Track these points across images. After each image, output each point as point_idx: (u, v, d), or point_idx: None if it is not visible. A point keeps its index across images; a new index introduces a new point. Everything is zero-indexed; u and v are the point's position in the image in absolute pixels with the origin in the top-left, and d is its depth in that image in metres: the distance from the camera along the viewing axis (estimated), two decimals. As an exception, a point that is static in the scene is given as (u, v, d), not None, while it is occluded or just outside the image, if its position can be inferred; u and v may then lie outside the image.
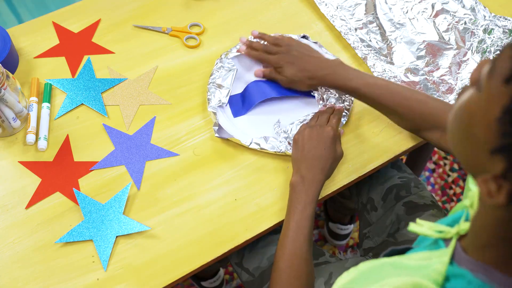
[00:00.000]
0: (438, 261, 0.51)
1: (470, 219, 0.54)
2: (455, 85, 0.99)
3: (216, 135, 0.90)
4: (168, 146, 0.93)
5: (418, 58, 1.03)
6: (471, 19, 1.07)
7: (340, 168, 0.91)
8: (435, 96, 0.97)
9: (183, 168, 0.90)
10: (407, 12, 1.09)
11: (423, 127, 0.83)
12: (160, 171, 0.90)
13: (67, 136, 0.93)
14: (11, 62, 0.98)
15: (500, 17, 1.07)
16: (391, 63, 1.02)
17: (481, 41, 1.04)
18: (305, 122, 0.91)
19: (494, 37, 1.05)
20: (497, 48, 1.03)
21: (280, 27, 1.07)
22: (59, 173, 0.89)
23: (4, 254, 0.82)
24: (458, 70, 1.01)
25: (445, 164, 1.74)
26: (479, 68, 0.47)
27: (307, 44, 0.94)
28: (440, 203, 1.68)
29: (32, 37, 1.05)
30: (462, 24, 1.07)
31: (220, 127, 0.91)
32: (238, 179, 0.89)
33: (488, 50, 1.03)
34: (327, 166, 0.82)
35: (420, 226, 0.57)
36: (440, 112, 0.82)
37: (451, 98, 0.97)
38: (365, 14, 1.09)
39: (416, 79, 1.00)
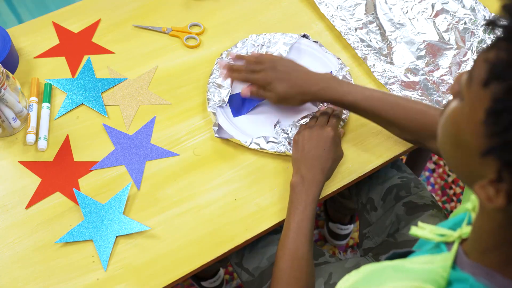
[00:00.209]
0: (440, 265, 0.51)
1: (472, 223, 0.54)
2: (455, 85, 0.99)
3: (216, 135, 0.90)
4: (168, 146, 0.93)
5: (418, 58, 1.03)
6: (471, 19, 1.08)
7: (340, 168, 0.91)
8: (435, 96, 0.97)
9: (183, 168, 0.90)
10: (407, 12, 1.09)
11: (424, 137, 0.83)
12: (160, 171, 0.90)
13: (67, 136, 0.93)
14: (11, 62, 0.98)
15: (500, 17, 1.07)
16: (391, 63, 1.02)
17: (481, 41, 1.04)
18: (304, 123, 0.91)
19: (494, 37, 1.04)
20: (497, 48, 1.03)
21: (280, 27, 1.07)
22: (59, 173, 0.89)
23: (4, 254, 0.82)
24: (458, 70, 1.01)
25: (445, 164, 1.74)
26: (458, 80, 0.48)
27: (291, 59, 0.90)
28: (440, 203, 1.68)
29: (32, 37, 1.05)
30: (462, 24, 1.07)
31: (220, 127, 0.91)
32: (238, 179, 0.89)
33: (488, 50, 1.03)
34: (327, 166, 0.82)
35: (422, 230, 0.56)
36: None
37: (451, 98, 0.97)
38: (365, 14, 1.09)
39: (416, 79, 1.00)
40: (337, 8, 1.09)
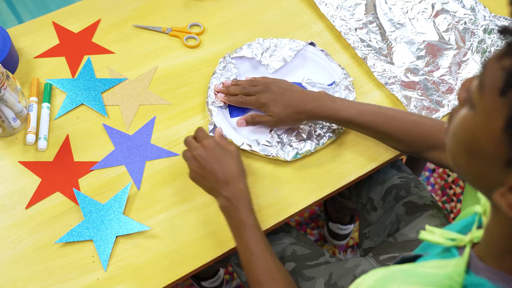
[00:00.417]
0: (454, 270, 0.51)
1: (483, 227, 0.54)
2: (455, 85, 0.99)
3: (210, 134, 0.90)
4: (168, 146, 0.93)
5: (418, 58, 1.03)
6: (471, 19, 1.08)
7: (340, 168, 0.91)
8: (435, 96, 0.97)
9: (183, 168, 0.90)
10: (407, 12, 1.09)
11: (421, 148, 0.83)
12: (160, 171, 0.90)
13: (67, 136, 0.93)
14: (11, 62, 0.98)
15: (500, 17, 1.07)
16: (391, 63, 1.02)
17: (481, 41, 1.04)
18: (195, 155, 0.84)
19: (494, 37, 1.05)
20: (497, 48, 1.02)
21: (280, 27, 1.07)
22: (59, 173, 0.89)
23: (4, 254, 0.82)
24: (458, 70, 1.01)
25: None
26: (464, 87, 0.47)
27: (284, 80, 0.90)
28: (440, 203, 1.68)
29: (32, 37, 1.05)
30: (462, 24, 1.07)
31: (214, 126, 0.91)
32: (238, 179, 0.89)
33: (488, 50, 1.03)
34: (235, 170, 0.79)
35: (432, 234, 0.56)
36: (438, 132, 0.82)
37: (451, 98, 0.97)
38: (365, 14, 1.09)
39: (416, 79, 1.00)
40: (337, 8, 1.09)
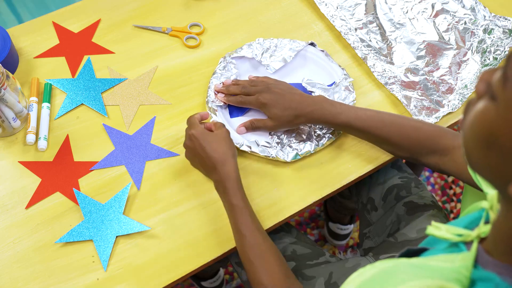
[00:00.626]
0: (462, 264, 0.50)
1: (490, 222, 0.53)
2: (455, 85, 0.99)
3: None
4: (168, 146, 0.93)
5: (418, 58, 1.03)
6: (471, 19, 1.08)
7: (340, 168, 0.91)
8: (435, 96, 0.97)
9: (183, 168, 0.90)
10: (407, 12, 1.09)
11: (420, 153, 0.83)
12: (160, 171, 0.90)
13: (67, 136, 0.93)
14: (11, 62, 0.98)
15: (500, 17, 1.07)
16: (391, 63, 1.02)
17: (481, 41, 1.04)
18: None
19: (494, 37, 1.05)
20: (497, 48, 1.03)
21: (280, 27, 1.07)
22: (59, 173, 0.89)
23: (4, 254, 0.82)
24: (458, 70, 1.01)
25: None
26: (484, 79, 0.46)
27: (284, 82, 0.91)
28: (440, 203, 1.68)
29: (32, 37, 1.05)
30: (462, 24, 1.07)
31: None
32: (238, 179, 0.89)
33: (488, 50, 1.03)
34: (220, 153, 0.81)
35: (438, 230, 0.56)
36: (436, 137, 0.82)
37: (451, 98, 0.97)
38: (365, 14, 1.09)
39: (416, 79, 1.00)
40: (337, 8, 1.09)
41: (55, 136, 0.93)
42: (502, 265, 0.50)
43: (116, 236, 0.84)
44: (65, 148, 0.92)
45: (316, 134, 0.92)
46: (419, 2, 1.10)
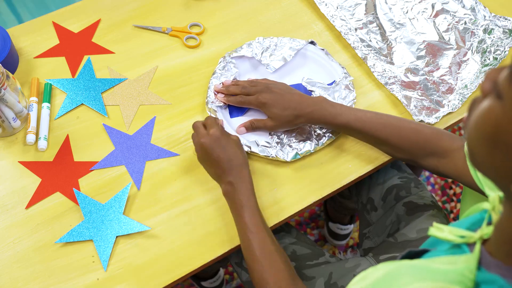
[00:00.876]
0: (465, 266, 0.50)
1: (493, 223, 0.53)
2: (455, 85, 0.99)
3: None
4: (168, 146, 0.93)
5: (418, 58, 1.03)
6: (471, 19, 1.07)
7: (340, 168, 0.91)
8: (435, 96, 0.97)
9: (183, 168, 0.90)
10: (407, 12, 1.09)
11: (418, 155, 0.83)
12: (160, 171, 0.90)
13: (67, 136, 0.93)
14: (11, 62, 0.98)
15: (500, 17, 1.07)
16: (391, 63, 1.02)
17: (481, 41, 1.04)
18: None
19: (494, 37, 1.05)
20: (497, 48, 1.03)
21: (280, 27, 1.07)
22: (59, 173, 0.89)
23: (4, 254, 0.82)
24: (458, 70, 1.01)
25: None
26: (490, 78, 0.46)
27: (284, 83, 0.91)
28: (440, 203, 1.68)
29: (32, 37, 1.05)
30: (462, 24, 1.07)
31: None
32: (238, 179, 0.89)
33: (488, 50, 1.03)
34: (240, 158, 0.82)
35: (440, 231, 0.56)
36: (435, 139, 0.82)
37: (451, 98, 0.97)
38: (365, 14, 1.09)
39: (416, 79, 1.00)
40: (337, 8, 1.09)
41: (55, 136, 0.93)
42: (505, 267, 0.49)
43: (116, 236, 0.84)
44: (65, 148, 0.92)
45: (316, 134, 0.92)
46: (419, 2, 1.10)
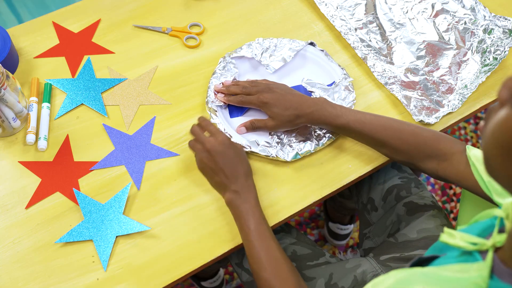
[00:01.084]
0: (477, 274, 0.50)
1: (506, 231, 0.53)
2: (455, 85, 0.99)
3: (212, 121, 0.92)
4: (168, 146, 0.93)
5: (418, 58, 1.03)
6: (471, 19, 1.07)
7: (340, 168, 0.91)
8: (435, 96, 0.97)
9: (183, 168, 0.90)
10: (407, 12, 1.09)
11: (418, 158, 0.83)
12: (160, 171, 0.90)
13: (67, 136, 0.93)
14: (11, 62, 0.98)
15: (500, 17, 1.07)
16: (391, 63, 1.02)
17: (481, 41, 1.04)
18: (191, 145, 0.87)
19: (494, 37, 1.05)
20: (497, 48, 1.03)
21: (280, 27, 1.07)
22: (59, 173, 0.89)
23: (4, 254, 0.82)
24: (458, 70, 1.01)
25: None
26: (507, 86, 0.46)
27: (284, 84, 0.92)
28: (440, 203, 1.68)
29: (32, 37, 1.05)
30: (462, 24, 1.07)
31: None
32: (238, 179, 0.89)
33: (488, 50, 1.03)
34: (245, 165, 0.83)
35: (452, 237, 0.55)
36: (435, 142, 0.82)
37: (451, 98, 0.97)
38: (365, 14, 1.09)
39: (416, 79, 1.00)
40: (337, 8, 1.09)
41: (55, 136, 0.93)
42: None
43: (116, 236, 0.84)
44: (65, 148, 0.92)
45: (316, 134, 0.92)
46: (419, 2, 1.10)
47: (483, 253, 0.54)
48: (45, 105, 0.95)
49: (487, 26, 1.06)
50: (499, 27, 1.06)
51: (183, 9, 1.10)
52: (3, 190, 0.88)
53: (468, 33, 1.06)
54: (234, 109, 0.96)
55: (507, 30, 1.05)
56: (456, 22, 1.07)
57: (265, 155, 0.89)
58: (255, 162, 0.91)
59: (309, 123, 0.88)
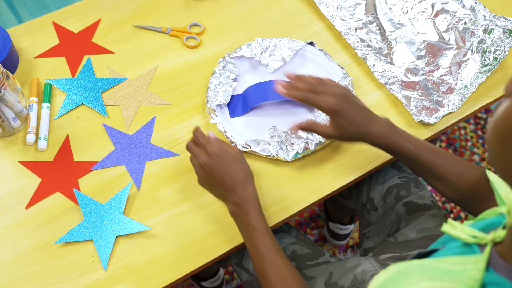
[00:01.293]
0: (473, 267, 0.50)
1: (507, 226, 0.53)
2: (455, 85, 0.99)
3: (212, 121, 0.91)
4: (168, 146, 0.93)
5: (418, 58, 1.03)
6: (471, 19, 1.08)
7: (340, 168, 0.91)
8: (435, 96, 0.97)
9: (183, 168, 0.90)
10: (407, 12, 1.09)
11: (477, 196, 0.78)
12: (160, 171, 0.90)
13: (67, 136, 0.93)
14: (11, 62, 0.98)
15: (500, 17, 1.07)
16: (391, 63, 1.02)
17: (481, 41, 1.04)
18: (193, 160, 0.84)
19: (494, 37, 1.05)
20: (497, 48, 1.03)
21: (280, 27, 1.07)
22: (59, 173, 0.89)
23: (4, 254, 0.82)
24: (458, 70, 1.01)
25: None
26: None
27: (350, 90, 0.83)
28: (440, 203, 1.68)
29: (32, 37, 1.05)
30: (462, 24, 1.07)
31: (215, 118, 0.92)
32: (238, 179, 0.89)
33: (488, 50, 1.03)
34: (242, 174, 0.78)
35: (453, 228, 0.55)
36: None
37: (451, 98, 0.97)
38: (365, 14, 1.09)
39: (416, 79, 1.00)
40: (337, 8, 1.09)
41: (55, 136, 0.93)
42: None
43: (116, 236, 0.84)
44: (65, 148, 0.92)
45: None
46: (419, 2, 1.10)
47: (482, 246, 0.54)
48: (45, 105, 0.95)
49: (487, 26, 1.06)
50: (499, 27, 1.06)
51: (183, 9, 1.10)
52: (3, 190, 0.88)
53: (468, 33, 1.06)
54: (234, 109, 0.96)
55: (507, 30, 1.05)
56: (456, 22, 1.07)
57: (265, 155, 0.89)
58: (255, 162, 0.91)
59: (365, 142, 0.81)
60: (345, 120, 0.79)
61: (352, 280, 0.89)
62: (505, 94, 0.47)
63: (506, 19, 1.07)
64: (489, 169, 1.74)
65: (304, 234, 1.00)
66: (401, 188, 1.00)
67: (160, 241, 0.84)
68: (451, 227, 0.56)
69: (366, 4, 1.10)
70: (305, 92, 0.81)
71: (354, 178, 0.90)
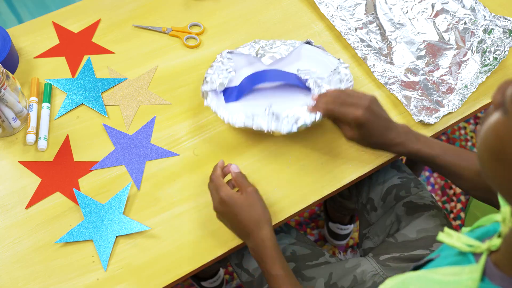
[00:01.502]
0: (468, 277, 0.50)
1: (502, 235, 0.53)
2: (455, 85, 0.99)
3: (206, 103, 0.90)
4: (168, 146, 0.93)
5: (418, 58, 1.03)
6: (471, 19, 1.08)
7: (340, 168, 0.91)
8: (435, 96, 0.97)
9: (183, 168, 0.90)
10: (407, 12, 1.09)
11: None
12: (160, 171, 0.90)
13: (67, 136, 0.93)
14: (11, 62, 0.98)
15: (500, 17, 1.07)
16: (391, 63, 1.02)
17: (481, 41, 1.04)
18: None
19: (494, 37, 1.05)
20: (497, 48, 1.03)
21: (280, 27, 1.07)
22: (59, 173, 0.89)
23: (4, 254, 0.82)
24: (458, 70, 1.01)
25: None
26: (501, 91, 0.46)
27: (375, 98, 0.82)
28: (440, 203, 1.68)
29: (32, 37, 1.05)
30: (462, 24, 1.07)
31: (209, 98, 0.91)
32: (238, 179, 0.89)
33: (488, 50, 1.03)
34: (254, 219, 0.78)
35: (449, 237, 0.55)
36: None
37: (451, 98, 0.97)
38: (365, 14, 1.09)
39: (416, 79, 1.00)
40: (337, 8, 1.09)
41: (55, 136, 0.93)
42: (508, 279, 0.49)
43: (116, 236, 0.84)
44: (65, 148, 0.92)
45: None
46: (419, 2, 1.10)
47: (477, 255, 0.54)
48: (45, 105, 0.95)
49: (487, 26, 1.06)
50: (499, 27, 1.06)
51: (183, 9, 1.10)
52: (3, 190, 0.88)
53: (468, 33, 1.06)
54: (229, 94, 0.95)
55: (507, 30, 1.05)
56: (456, 22, 1.07)
57: (259, 129, 0.87)
58: (256, 162, 0.91)
59: (385, 150, 0.83)
60: (367, 132, 0.80)
61: (352, 281, 0.89)
62: (492, 103, 0.46)
63: (506, 19, 1.07)
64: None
65: (304, 235, 1.00)
66: (401, 189, 1.00)
67: (160, 241, 0.84)
68: (447, 236, 0.56)
69: (366, 4, 1.10)
70: (332, 103, 0.81)
71: (354, 178, 0.90)
